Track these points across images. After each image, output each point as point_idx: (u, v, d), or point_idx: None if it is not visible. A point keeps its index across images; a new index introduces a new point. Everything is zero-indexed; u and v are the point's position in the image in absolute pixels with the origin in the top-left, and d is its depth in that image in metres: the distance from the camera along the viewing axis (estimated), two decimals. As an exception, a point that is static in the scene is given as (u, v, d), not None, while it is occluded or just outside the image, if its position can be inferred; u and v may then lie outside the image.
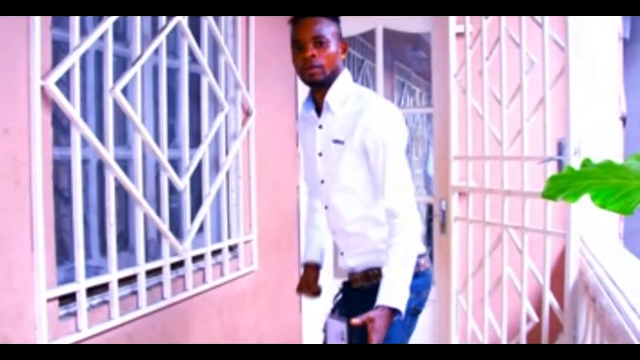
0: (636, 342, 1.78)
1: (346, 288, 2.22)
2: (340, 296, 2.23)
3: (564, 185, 1.10)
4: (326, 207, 2.14)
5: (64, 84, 1.96)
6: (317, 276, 2.28)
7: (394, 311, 1.87)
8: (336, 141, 2.01)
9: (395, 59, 7.02)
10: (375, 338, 1.82)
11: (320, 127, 2.07)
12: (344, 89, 2.03)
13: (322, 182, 2.10)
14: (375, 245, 2.06)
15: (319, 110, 2.07)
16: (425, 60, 7.14)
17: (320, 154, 2.09)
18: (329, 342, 2.09)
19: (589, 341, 2.58)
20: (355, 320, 1.84)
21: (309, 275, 2.27)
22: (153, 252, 2.54)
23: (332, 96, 2.01)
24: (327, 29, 1.98)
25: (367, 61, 6.25)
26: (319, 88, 2.03)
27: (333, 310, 2.20)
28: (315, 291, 2.25)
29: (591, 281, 2.57)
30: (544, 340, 2.97)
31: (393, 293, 1.88)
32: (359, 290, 2.12)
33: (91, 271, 2.18)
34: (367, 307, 1.89)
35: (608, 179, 1.06)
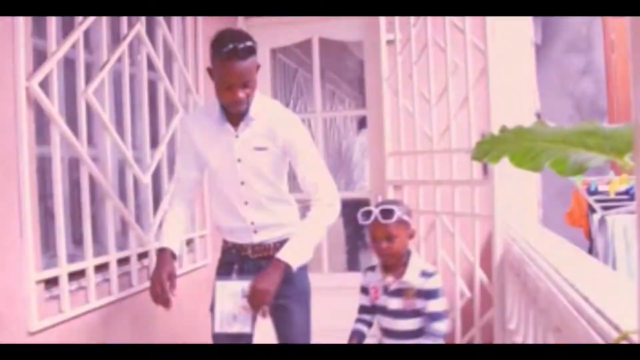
0: (564, 301, 2.01)
1: (247, 258, 2.40)
2: (235, 266, 2.40)
3: (488, 148, 1.38)
4: (246, 203, 2.35)
5: (42, 86, 2.15)
6: (174, 271, 2.27)
7: (288, 266, 2.19)
8: (258, 148, 2.29)
9: (327, 69, 7.34)
10: (259, 284, 2.14)
11: (237, 137, 2.29)
12: (259, 103, 2.29)
13: (243, 183, 2.33)
14: (287, 221, 2.40)
15: (231, 122, 2.29)
16: (353, 69, 7.49)
17: (239, 160, 2.31)
18: (221, 305, 2.23)
19: (515, 311, 2.92)
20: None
21: (168, 266, 2.24)
22: (119, 243, 2.72)
23: (252, 111, 2.26)
24: (253, 70, 2.18)
25: (301, 70, 6.53)
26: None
27: (222, 273, 2.38)
28: (168, 296, 2.18)
29: (516, 255, 2.91)
30: (476, 313, 3.31)
31: (289, 250, 2.22)
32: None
33: (67, 259, 2.36)
34: None
35: (521, 142, 1.35)
